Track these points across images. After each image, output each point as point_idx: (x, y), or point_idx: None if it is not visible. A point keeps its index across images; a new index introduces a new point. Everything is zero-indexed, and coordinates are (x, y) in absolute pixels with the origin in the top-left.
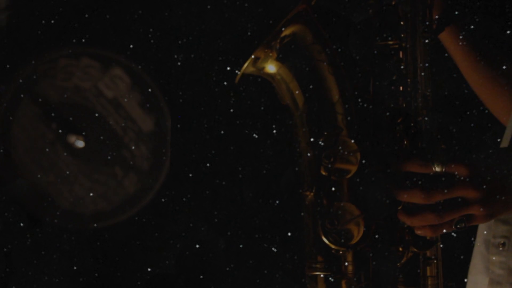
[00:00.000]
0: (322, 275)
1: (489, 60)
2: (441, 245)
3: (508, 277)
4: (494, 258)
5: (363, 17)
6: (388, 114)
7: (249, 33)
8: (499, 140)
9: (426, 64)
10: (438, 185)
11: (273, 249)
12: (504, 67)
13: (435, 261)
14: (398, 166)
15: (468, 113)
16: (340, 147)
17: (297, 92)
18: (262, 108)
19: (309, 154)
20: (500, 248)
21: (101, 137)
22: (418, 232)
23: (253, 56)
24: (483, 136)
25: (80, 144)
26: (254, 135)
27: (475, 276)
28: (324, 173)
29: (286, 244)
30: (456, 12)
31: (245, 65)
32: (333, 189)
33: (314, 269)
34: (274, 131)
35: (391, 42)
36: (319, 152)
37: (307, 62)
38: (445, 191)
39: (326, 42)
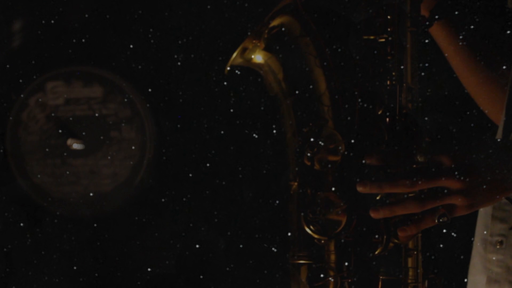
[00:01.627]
0: (305, 264)
1: (483, 60)
2: (421, 235)
3: (506, 275)
4: (491, 257)
5: (363, 17)
6: (388, 114)
7: (249, 33)
8: (499, 140)
9: (427, 64)
10: (421, 174)
11: (273, 249)
12: (504, 67)
13: (415, 252)
14: (378, 156)
15: (468, 113)
16: (324, 138)
17: (284, 83)
18: (262, 108)
19: (295, 145)
20: (498, 247)
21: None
22: (401, 233)
23: (241, 47)
24: (483, 136)
25: (79, 147)
26: (254, 135)
27: (474, 276)
28: (307, 163)
29: (286, 244)
30: (443, 6)
31: (234, 55)
32: (315, 179)
33: (297, 257)
34: (274, 131)
35: (375, 36)
36: (303, 143)
37: (295, 53)
38: (427, 181)
39: (314, 35)
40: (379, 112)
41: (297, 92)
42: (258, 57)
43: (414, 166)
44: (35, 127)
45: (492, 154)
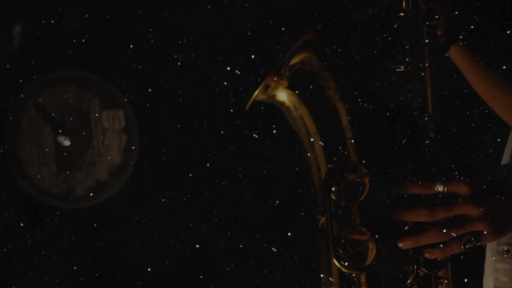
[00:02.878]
0: None
1: (489, 59)
2: (450, 263)
3: None
4: (498, 266)
5: (363, 17)
6: (388, 114)
7: (249, 33)
8: (499, 140)
9: (427, 64)
10: (440, 203)
11: (273, 249)
12: (504, 67)
13: (446, 281)
14: (400, 189)
15: (468, 113)
16: (349, 172)
17: (306, 118)
18: (262, 108)
19: (320, 180)
20: (505, 255)
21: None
22: (427, 255)
23: (263, 84)
24: (483, 136)
25: (67, 143)
26: (254, 135)
27: (486, 279)
28: (334, 198)
29: (286, 244)
30: (459, 28)
31: (256, 92)
32: (342, 213)
33: None
34: (274, 131)
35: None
36: (329, 177)
37: (315, 89)
38: (447, 209)
39: (334, 69)
40: (403, 141)
41: (319, 126)
42: (281, 95)
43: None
44: (33, 127)
45: (509, 178)
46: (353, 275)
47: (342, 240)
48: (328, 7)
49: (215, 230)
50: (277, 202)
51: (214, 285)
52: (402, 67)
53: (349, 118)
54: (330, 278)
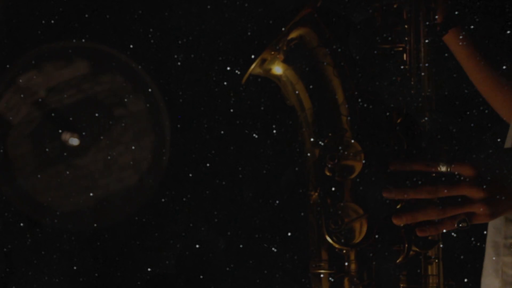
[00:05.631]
0: (325, 274)
1: (492, 59)
2: (441, 245)
3: None
4: (506, 259)
5: (363, 17)
6: (388, 114)
7: (249, 33)
8: (499, 140)
9: (427, 64)
10: (443, 182)
11: (273, 249)
12: (504, 67)
13: (436, 261)
14: (402, 166)
15: (468, 113)
16: (344, 148)
17: (302, 93)
18: (262, 108)
19: (308, 154)
20: None
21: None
22: (420, 233)
23: (260, 58)
24: (483, 136)
25: (75, 142)
26: (254, 135)
27: (486, 278)
28: (328, 174)
29: (286, 244)
30: (458, 13)
31: (252, 66)
32: (336, 189)
33: (317, 267)
34: (274, 131)
35: (389, 46)
36: (323, 153)
37: (313, 64)
38: (450, 188)
39: (332, 45)
40: (398, 121)
41: (315, 102)
42: (277, 69)
43: (436, 174)
44: (32, 127)
45: (509, 161)
46: (344, 251)
47: (335, 215)
48: (329, 7)
49: (215, 230)
50: (277, 202)
51: (214, 285)
52: (401, 47)
53: (346, 94)
54: (320, 255)
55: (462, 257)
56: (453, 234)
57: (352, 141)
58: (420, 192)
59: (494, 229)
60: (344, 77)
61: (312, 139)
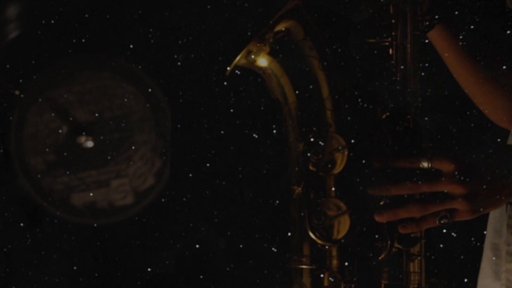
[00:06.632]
0: (307, 268)
1: (481, 60)
2: (424, 241)
3: None
4: (509, 266)
5: (363, 17)
6: (381, 111)
7: (249, 33)
8: (499, 140)
9: (427, 64)
10: (424, 179)
11: (273, 249)
12: (504, 67)
13: (418, 258)
14: (387, 162)
15: (468, 113)
16: (328, 143)
17: (287, 86)
18: (262, 108)
19: (297, 150)
20: None
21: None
22: (401, 230)
23: (245, 50)
24: (483, 136)
25: (89, 144)
26: (254, 135)
27: (484, 279)
28: (312, 169)
29: (286, 244)
30: (443, 11)
31: (238, 58)
32: (319, 184)
33: (299, 262)
34: (274, 131)
35: (375, 40)
36: (307, 147)
37: (298, 57)
38: (431, 184)
39: (318, 38)
40: (383, 117)
41: (300, 96)
42: (262, 61)
43: (418, 171)
44: (35, 127)
45: (494, 157)
46: (326, 247)
47: (318, 210)
48: (328, 7)
49: (215, 230)
50: (277, 202)
51: (214, 285)
52: (387, 42)
53: (331, 88)
54: (301, 250)
55: (462, 257)
56: (453, 234)
57: (337, 135)
58: (401, 189)
59: (494, 231)
60: (330, 71)
61: (295, 133)
